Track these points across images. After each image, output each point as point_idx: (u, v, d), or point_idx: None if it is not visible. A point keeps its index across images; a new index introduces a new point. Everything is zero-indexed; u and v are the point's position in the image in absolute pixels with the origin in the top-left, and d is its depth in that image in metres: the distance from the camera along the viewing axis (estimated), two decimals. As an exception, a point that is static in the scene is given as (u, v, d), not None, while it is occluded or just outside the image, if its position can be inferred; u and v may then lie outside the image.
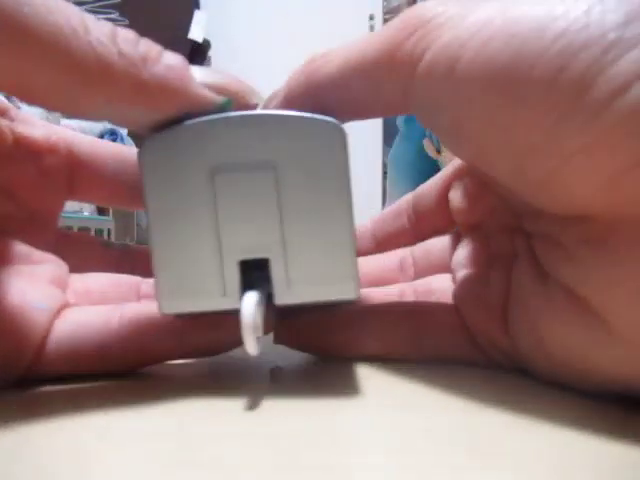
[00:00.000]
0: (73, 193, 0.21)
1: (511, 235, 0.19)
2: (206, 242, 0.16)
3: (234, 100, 0.16)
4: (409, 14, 0.16)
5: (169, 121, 0.16)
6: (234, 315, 0.15)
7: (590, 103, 0.13)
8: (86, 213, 1.21)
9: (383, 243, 0.25)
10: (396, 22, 0.16)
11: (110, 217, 1.27)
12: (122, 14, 0.99)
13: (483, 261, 0.21)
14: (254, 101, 0.17)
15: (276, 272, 0.16)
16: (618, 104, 0.12)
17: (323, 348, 0.21)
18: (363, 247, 0.25)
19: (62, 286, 0.19)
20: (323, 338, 0.21)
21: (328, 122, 0.16)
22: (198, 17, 1.34)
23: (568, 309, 0.15)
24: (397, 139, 1.00)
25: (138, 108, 0.15)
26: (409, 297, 0.23)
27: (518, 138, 0.14)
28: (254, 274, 0.16)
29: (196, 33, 1.34)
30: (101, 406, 0.15)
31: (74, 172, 0.21)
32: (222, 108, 0.16)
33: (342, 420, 0.15)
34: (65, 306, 0.18)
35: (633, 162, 0.13)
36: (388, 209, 0.26)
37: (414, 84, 0.15)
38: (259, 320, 0.15)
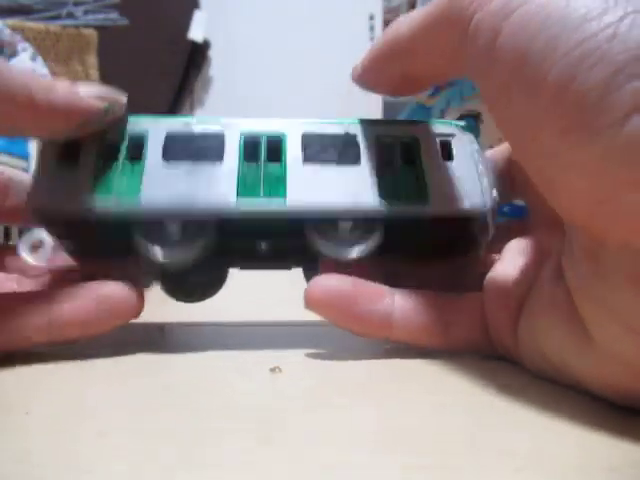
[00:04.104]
0: None
1: (556, 231, 0.19)
2: None
3: (113, 103, 0.20)
4: None
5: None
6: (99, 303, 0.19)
7: (591, 123, 0.13)
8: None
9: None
10: None
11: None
12: (122, 14, 0.99)
13: (529, 254, 0.20)
14: (124, 100, 0.21)
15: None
16: (614, 133, 0.12)
17: (348, 317, 0.20)
18: None
19: None
20: (350, 307, 0.19)
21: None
22: (198, 17, 1.34)
23: (565, 311, 0.15)
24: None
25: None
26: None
27: (528, 136, 0.14)
28: None
29: (196, 33, 1.34)
30: (101, 406, 0.15)
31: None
32: (106, 111, 0.20)
33: (342, 420, 0.15)
34: None
35: (614, 193, 0.13)
36: None
37: (466, 41, 0.16)
38: None
